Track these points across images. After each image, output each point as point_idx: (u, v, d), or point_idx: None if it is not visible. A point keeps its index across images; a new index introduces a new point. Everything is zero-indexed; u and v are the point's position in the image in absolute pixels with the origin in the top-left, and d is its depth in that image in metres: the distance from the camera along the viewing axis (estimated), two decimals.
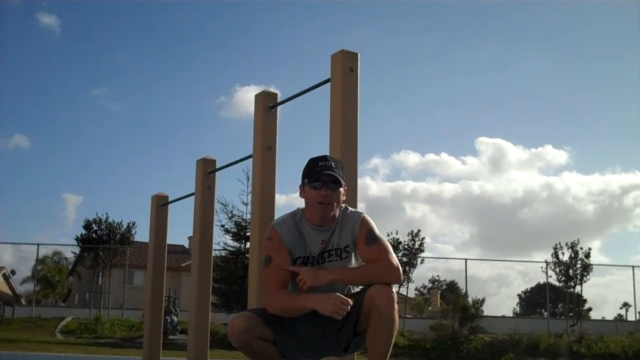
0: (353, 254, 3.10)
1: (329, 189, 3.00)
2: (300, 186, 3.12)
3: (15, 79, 54.75)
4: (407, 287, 23.23)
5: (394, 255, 3.03)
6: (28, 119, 56.80)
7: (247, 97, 57.06)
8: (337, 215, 3.08)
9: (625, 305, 27.66)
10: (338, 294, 2.87)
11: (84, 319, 20.27)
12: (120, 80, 58.15)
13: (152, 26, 59.82)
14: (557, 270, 22.95)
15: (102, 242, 23.64)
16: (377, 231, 3.09)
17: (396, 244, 22.30)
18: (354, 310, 2.95)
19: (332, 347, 3.10)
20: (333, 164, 3.06)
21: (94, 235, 23.79)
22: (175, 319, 17.28)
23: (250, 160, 4.70)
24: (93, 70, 57.01)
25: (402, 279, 3.04)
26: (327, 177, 3.00)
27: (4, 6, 49.62)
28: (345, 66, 3.87)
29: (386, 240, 3.10)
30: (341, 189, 3.05)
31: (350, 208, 3.17)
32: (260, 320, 2.96)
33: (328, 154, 3.14)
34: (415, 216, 54.70)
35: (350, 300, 2.85)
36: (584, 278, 22.82)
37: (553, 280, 24.03)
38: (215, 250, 14.83)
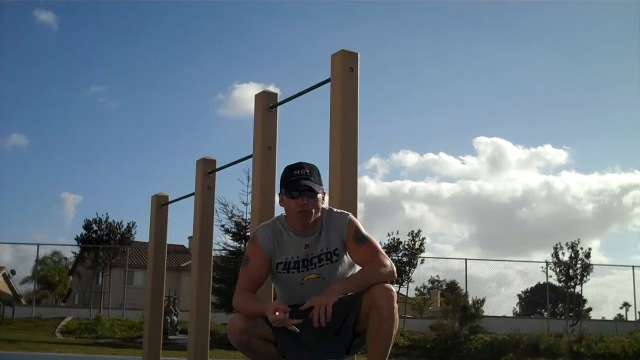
0: (343, 256, 3.12)
1: (307, 198, 3.02)
2: (279, 195, 3.15)
3: (12, 77, 54.77)
4: (407, 287, 23.25)
5: (384, 253, 3.07)
6: (26, 118, 56.87)
7: (245, 94, 57.19)
8: (319, 219, 3.11)
9: (625, 305, 27.67)
10: (278, 303, 2.95)
11: (84, 319, 20.28)
12: (118, 77, 58.22)
13: (150, 23, 59.93)
14: (557, 270, 22.96)
15: (102, 242, 23.64)
16: (364, 231, 3.11)
17: (396, 244, 22.32)
18: (353, 310, 2.97)
19: (332, 349, 3.10)
20: (308, 171, 3.08)
21: (94, 235, 23.80)
22: (175, 319, 17.27)
23: (250, 160, 4.71)
24: (91, 68, 57.09)
25: (396, 275, 3.06)
26: (303, 186, 3.03)
27: (0, 3, 49.60)
28: (345, 66, 3.87)
29: (374, 239, 3.12)
30: (319, 195, 3.07)
31: (335, 209, 3.19)
32: (260, 320, 2.97)
33: (303, 161, 3.13)
34: (414, 216, 54.75)
35: (286, 308, 2.87)
36: (584, 278, 22.83)
37: (553, 280, 24.06)
38: (215, 250, 14.86)
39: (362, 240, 3.07)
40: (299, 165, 3.10)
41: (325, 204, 3.19)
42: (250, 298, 3.06)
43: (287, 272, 3.12)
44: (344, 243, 3.10)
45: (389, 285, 2.96)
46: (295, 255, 3.11)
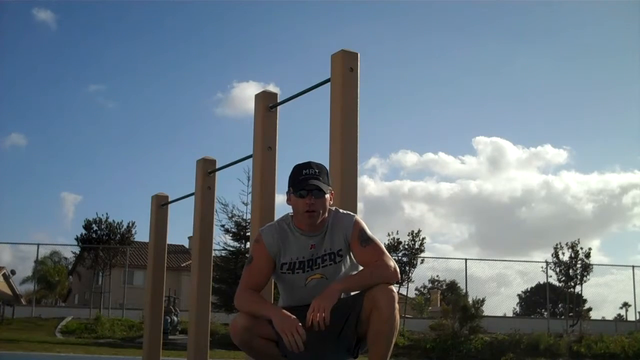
0: (347, 256, 3.11)
1: (314, 197, 3.02)
2: (287, 193, 3.15)
3: (10, 76, 54.67)
4: (407, 287, 23.25)
5: (388, 254, 3.06)
6: (25, 117, 56.76)
7: (244, 93, 57.18)
8: (326, 219, 3.10)
9: (625, 305, 27.72)
10: (298, 321, 2.86)
11: (84, 319, 20.29)
12: (117, 76, 58.09)
13: (149, 22, 59.86)
14: (557, 270, 22.95)
15: (102, 242, 23.64)
16: (369, 232, 3.11)
17: (396, 244, 22.31)
18: (354, 311, 2.96)
19: (334, 349, 3.08)
20: (317, 171, 3.07)
21: (94, 235, 23.80)
22: (175, 319, 17.29)
23: (250, 160, 4.71)
24: (90, 67, 57.01)
25: (399, 277, 3.06)
26: (311, 186, 3.02)
27: None
28: (345, 66, 3.87)
29: (379, 240, 3.12)
30: (327, 195, 3.07)
31: (340, 210, 3.19)
32: (263, 319, 2.97)
33: (311, 160, 3.13)
34: (414, 215, 54.76)
35: (304, 334, 2.83)
36: (584, 278, 22.82)
37: (553, 280, 24.06)
38: (215, 250, 14.85)
39: (367, 241, 3.07)
40: (308, 165, 3.10)
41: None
42: (256, 298, 3.05)
43: (291, 273, 3.12)
44: (348, 244, 3.10)
45: (390, 286, 2.95)
46: (300, 255, 3.10)
